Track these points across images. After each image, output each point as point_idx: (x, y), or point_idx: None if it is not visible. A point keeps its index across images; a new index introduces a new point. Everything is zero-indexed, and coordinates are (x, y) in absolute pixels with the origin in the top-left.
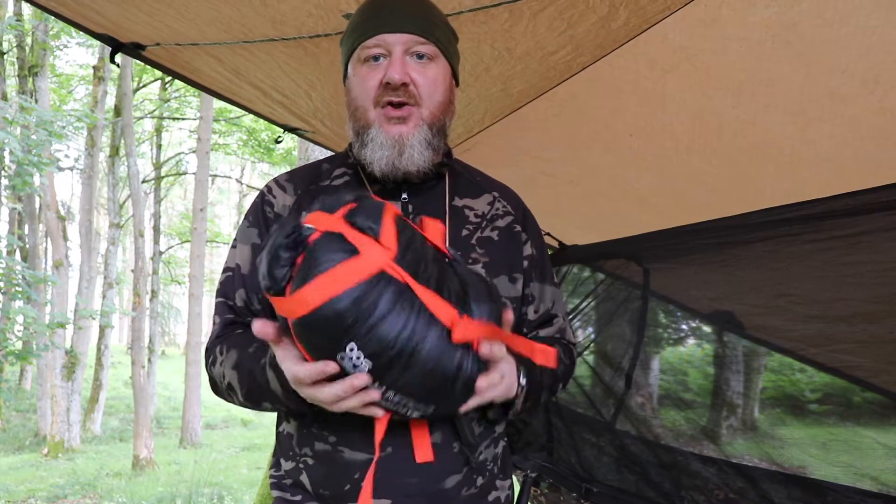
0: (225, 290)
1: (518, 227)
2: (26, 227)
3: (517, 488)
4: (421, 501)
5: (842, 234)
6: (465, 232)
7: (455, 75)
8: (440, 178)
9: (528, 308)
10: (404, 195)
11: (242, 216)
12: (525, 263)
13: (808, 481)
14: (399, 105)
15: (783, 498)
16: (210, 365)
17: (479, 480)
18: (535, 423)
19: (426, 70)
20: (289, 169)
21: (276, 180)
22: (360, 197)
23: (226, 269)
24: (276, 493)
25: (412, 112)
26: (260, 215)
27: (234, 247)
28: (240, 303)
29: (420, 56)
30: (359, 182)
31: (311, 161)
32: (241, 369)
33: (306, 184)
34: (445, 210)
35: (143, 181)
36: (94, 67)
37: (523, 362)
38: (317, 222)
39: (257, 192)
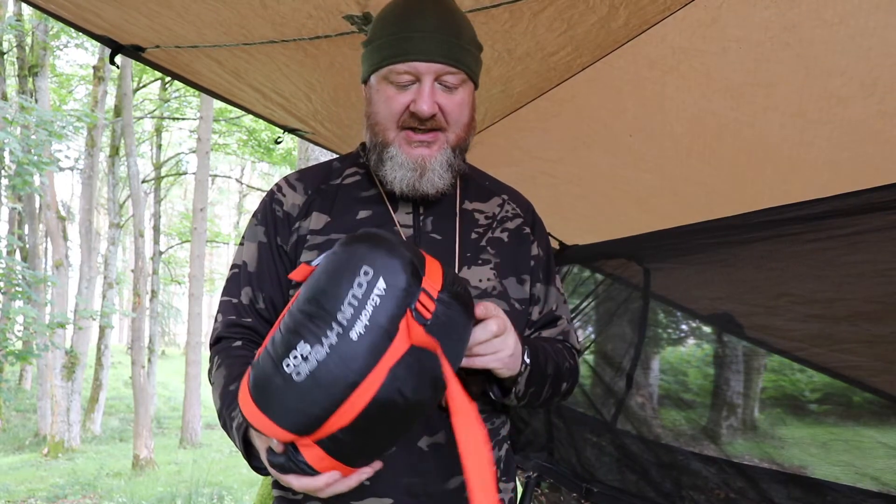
0: (230, 288)
1: (527, 229)
2: (26, 227)
3: (520, 490)
4: (424, 501)
5: (841, 234)
6: (473, 235)
7: (477, 84)
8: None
9: (533, 309)
10: None
11: (249, 215)
12: (531, 263)
13: (809, 481)
14: (425, 131)
15: (783, 497)
16: (208, 372)
17: None
18: (536, 423)
19: (454, 96)
20: (289, 169)
21: (286, 179)
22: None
23: (233, 267)
24: (276, 493)
25: (438, 137)
26: (268, 214)
27: (241, 244)
28: (245, 300)
29: (448, 85)
30: (370, 182)
31: (311, 161)
32: (220, 404)
33: (317, 183)
34: (456, 213)
35: (143, 181)
36: (94, 67)
37: (527, 343)
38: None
39: (258, 192)
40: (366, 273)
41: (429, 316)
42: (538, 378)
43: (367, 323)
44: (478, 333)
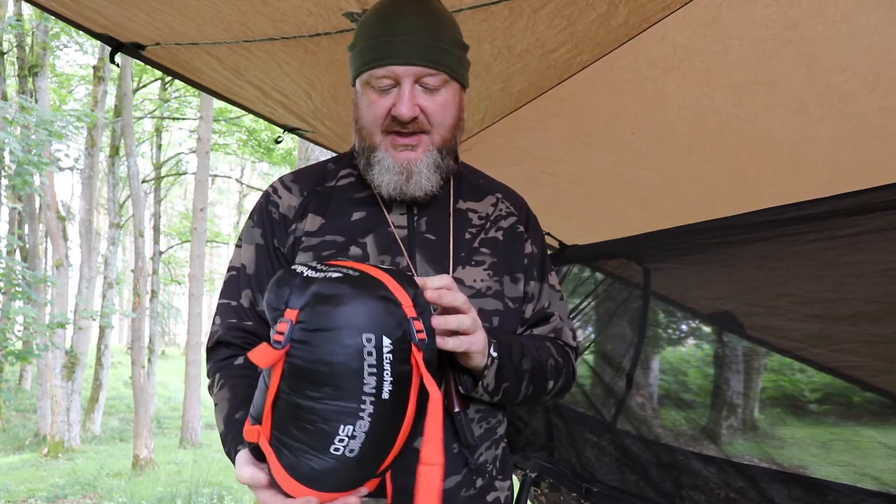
0: (229, 291)
1: (521, 228)
2: (26, 227)
3: (517, 489)
4: None
5: (842, 234)
6: (467, 235)
7: (465, 84)
8: (444, 182)
9: (527, 306)
10: None
11: (245, 216)
12: (525, 261)
13: (809, 480)
14: (408, 134)
15: (784, 497)
16: (209, 386)
17: (479, 482)
18: (536, 423)
19: (435, 97)
20: (289, 169)
21: (281, 181)
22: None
23: (230, 269)
24: None
25: (422, 139)
26: (265, 216)
27: (238, 247)
28: (245, 303)
29: (429, 87)
30: (364, 184)
31: (311, 161)
32: (224, 430)
33: (312, 184)
34: (450, 213)
35: (143, 181)
36: (94, 67)
37: (493, 336)
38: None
39: (258, 192)
40: (368, 340)
41: (424, 336)
42: (511, 373)
43: (392, 378)
44: (457, 299)
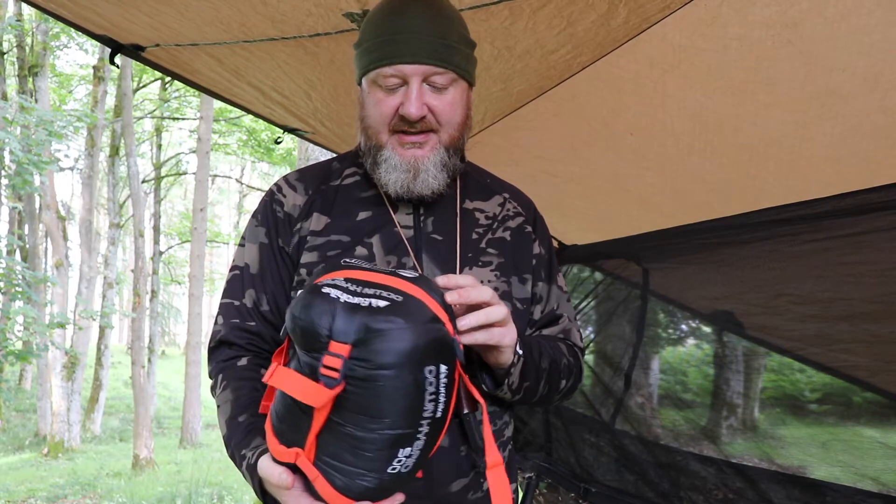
0: (232, 290)
1: (529, 228)
2: (26, 227)
3: (521, 492)
4: None
5: (841, 234)
6: (474, 235)
7: (472, 82)
8: (451, 180)
9: (535, 308)
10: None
11: (249, 215)
12: (533, 262)
13: (807, 481)
14: (416, 132)
15: (782, 498)
16: (212, 387)
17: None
18: (534, 423)
19: (443, 96)
20: (289, 169)
21: (285, 179)
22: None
23: (233, 268)
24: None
25: (429, 137)
26: (269, 214)
27: (241, 245)
28: (249, 303)
29: (437, 86)
30: (369, 183)
31: (311, 161)
32: (227, 433)
33: (317, 183)
34: (456, 213)
35: (143, 181)
36: (94, 67)
37: (519, 337)
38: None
39: (258, 192)
40: (430, 372)
41: (462, 347)
42: (532, 372)
43: (446, 398)
44: (484, 293)
